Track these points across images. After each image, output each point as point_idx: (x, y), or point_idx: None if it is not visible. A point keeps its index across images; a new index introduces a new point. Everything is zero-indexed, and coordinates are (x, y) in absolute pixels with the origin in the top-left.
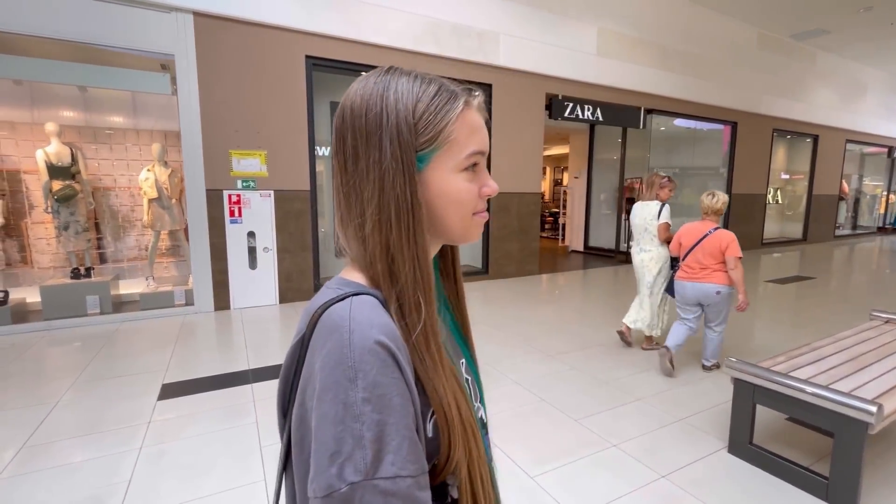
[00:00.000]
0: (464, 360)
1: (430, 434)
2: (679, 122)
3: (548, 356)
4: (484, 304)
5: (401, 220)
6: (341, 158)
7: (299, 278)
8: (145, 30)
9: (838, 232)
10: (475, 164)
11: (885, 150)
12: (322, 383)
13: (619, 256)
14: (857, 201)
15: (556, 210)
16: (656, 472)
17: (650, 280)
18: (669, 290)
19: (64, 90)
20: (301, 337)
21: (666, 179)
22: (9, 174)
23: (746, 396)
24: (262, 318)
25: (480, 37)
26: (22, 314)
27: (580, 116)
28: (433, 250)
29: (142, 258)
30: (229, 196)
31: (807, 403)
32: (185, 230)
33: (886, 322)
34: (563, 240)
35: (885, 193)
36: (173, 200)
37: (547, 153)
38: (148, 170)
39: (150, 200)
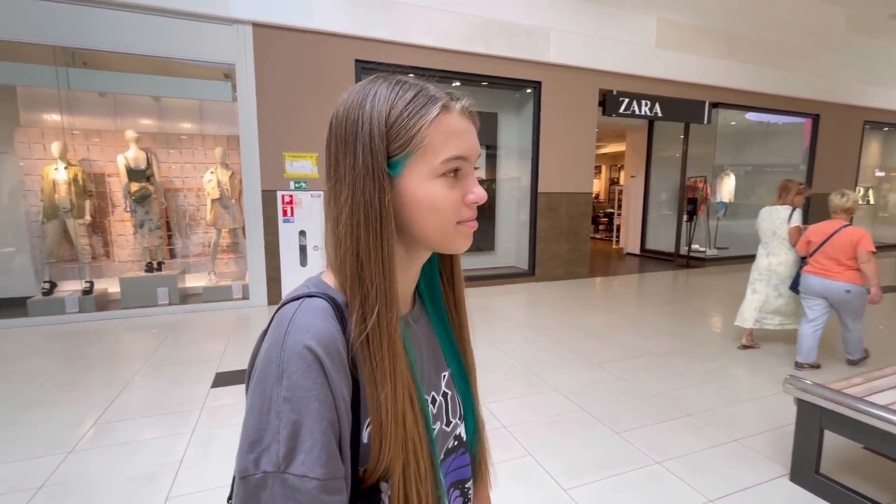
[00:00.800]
0: (447, 373)
1: (364, 441)
2: (751, 115)
3: (593, 364)
4: (528, 306)
5: (369, 225)
6: (327, 165)
7: None
8: (209, 42)
9: None
10: (457, 170)
11: None
12: (256, 376)
13: (680, 260)
14: None
15: (612, 210)
16: (703, 496)
17: (777, 282)
18: (794, 286)
19: (141, 100)
20: (265, 328)
21: (802, 186)
22: (95, 177)
23: (812, 420)
24: None
25: (530, 34)
26: (104, 303)
27: (637, 112)
28: (416, 257)
29: (205, 254)
30: (282, 196)
31: (884, 433)
32: (244, 228)
33: None
34: (618, 241)
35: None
36: (233, 201)
37: (602, 151)
38: (211, 172)
39: (213, 200)
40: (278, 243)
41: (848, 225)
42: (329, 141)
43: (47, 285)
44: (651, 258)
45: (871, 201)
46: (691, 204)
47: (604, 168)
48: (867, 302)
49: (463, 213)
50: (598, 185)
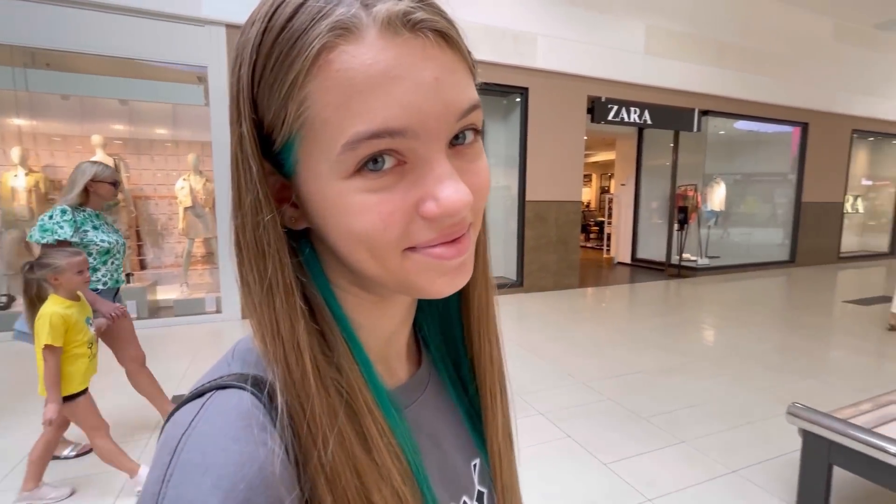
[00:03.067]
0: (478, 461)
1: None
2: (740, 124)
3: (581, 384)
4: (516, 320)
5: (253, 267)
6: None
7: None
8: (180, 43)
9: None
10: (386, 159)
11: None
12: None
13: (671, 270)
14: None
15: (602, 219)
16: None
17: None
18: None
19: (109, 104)
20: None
21: None
22: (61, 184)
23: (820, 455)
24: None
25: (516, 38)
26: None
27: (626, 119)
28: (387, 298)
29: (178, 265)
30: None
31: None
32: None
33: None
34: (609, 251)
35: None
36: (206, 209)
37: (592, 159)
38: (184, 179)
39: (186, 209)
40: None
41: None
42: None
43: (4, 299)
44: (642, 268)
45: (860, 209)
46: (682, 213)
47: (594, 176)
48: None
49: (415, 234)
50: (589, 194)
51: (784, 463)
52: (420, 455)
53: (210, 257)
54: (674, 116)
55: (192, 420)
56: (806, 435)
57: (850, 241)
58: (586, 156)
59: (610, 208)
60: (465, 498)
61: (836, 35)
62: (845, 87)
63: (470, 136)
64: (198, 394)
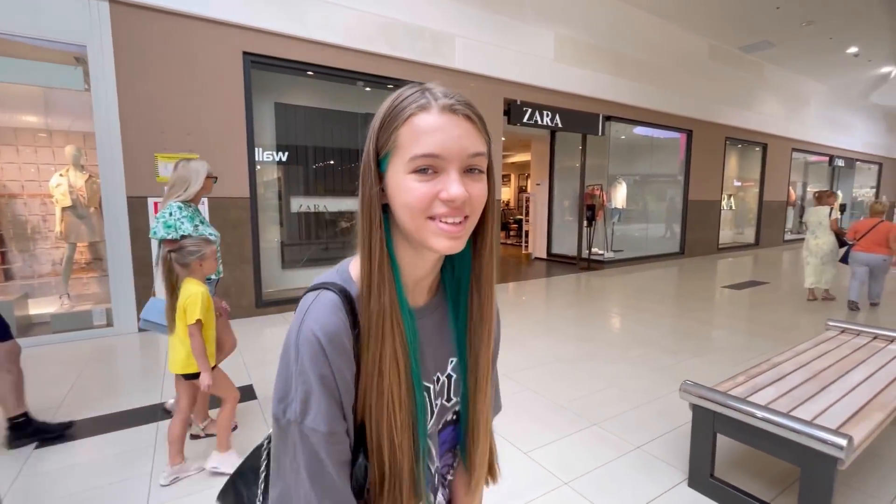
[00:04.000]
0: (455, 360)
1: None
2: (638, 130)
3: (504, 375)
4: None
5: (365, 215)
6: None
7: (238, 293)
8: (52, 17)
9: (787, 236)
10: (429, 168)
11: (826, 158)
12: (283, 348)
13: (582, 263)
14: (802, 207)
15: (521, 217)
16: None
17: (825, 254)
18: (844, 259)
19: None
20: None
21: (832, 193)
22: None
23: (706, 425)
24: None
25: (435, 38)
26: None
27: (539, 122)
28: (422, 252)
29: (56, 273)
30: (156, 204)
31: (771, 435)
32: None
33: (842, 332)
34: (527, 247)
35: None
36: (91, 209)
37: (511, 160)
38: (61, 175)
39: (64, 209)
40: (151, 259)
41: (883, 220)
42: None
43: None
44: (557, 262)
45: (733, 207)
46: (590, 210)
47: (513, 176)
48: (892, 265)
49: (435, 209)
50: (509, 193)
51: (679, 434)
52: (417, 344)
53: (99, 264)
54: (581, 120)
55: (312, 301)
56: (695, 409)
57: (726, 235)
58: (505, 157)
59: (527, 207)
60: (438, 374)
61: (710, 54)
62: (720, 99)
63: (476, 171)
64: (314, 287)
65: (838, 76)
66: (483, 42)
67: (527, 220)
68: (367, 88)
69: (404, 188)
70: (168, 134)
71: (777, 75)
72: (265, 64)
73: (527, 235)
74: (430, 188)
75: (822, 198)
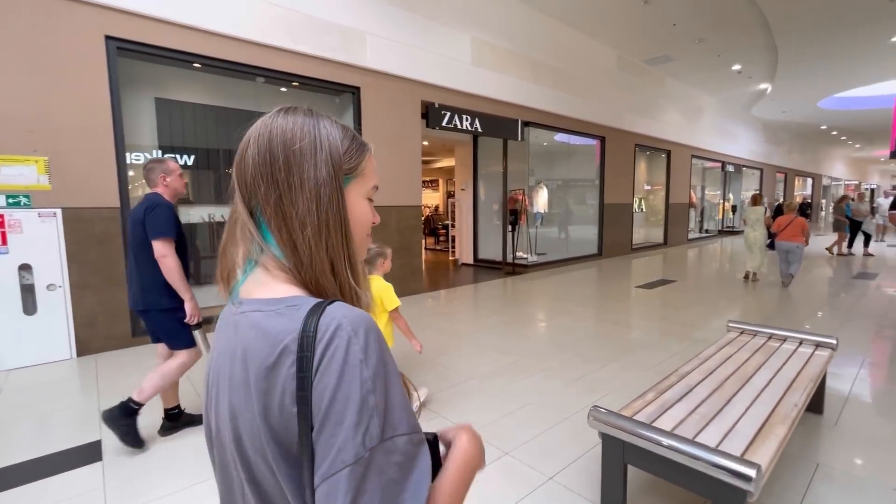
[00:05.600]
0: None
1: None
2: (557, 136)
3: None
4: None
5: (338, 227)
6: (270, 176)
7: (109, 321)
8: None
9: (691, 235)
10: (370, 199)
11: (719, 164)
12: (335, 374)
13: (507, 268)
14: (702, 209)
15: (448, 222)
16: None
17: (761, 244)
18: (771, 246)
19: None
20: (298, 358)
21: (762, 197)
22: None
23: (616, 456)
24: (42, 383)
25: (344, 35)
26: None
27: (459, 126)
28: None
29: None
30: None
31: (679, 465)
32: None
33: (742, 333)
34: (454, 252)
35: (721, 201)
36: None
37: (438, 165)
38: None
39: None
40: None
41: (797, 217)
42: (273, 153)
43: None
44: (483, 267)
45: (644, 209)
46: (513, 215)
47: (440, 181)
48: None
49: (368, 230)
50: (438, 198)
51: (592, 458)
52: None
53: None
54: (501, 126)
55: (340, 309)
56: (604, 438)
57: (638, 235)
58: (432, 161)
59: (454, 212)
60: None
61: (619, 66)
62: (628, 109)
63: None
64: (319, 310)
65: (726, 90)
66: (398, 41)
67: (454, 226)
68: (283, 88)
69: (362, 209)
70: (2, 132)
71: (676, 87)
72: (137, 52)
73: (454, 241)
74: (370, 212)
75: (756, 200)
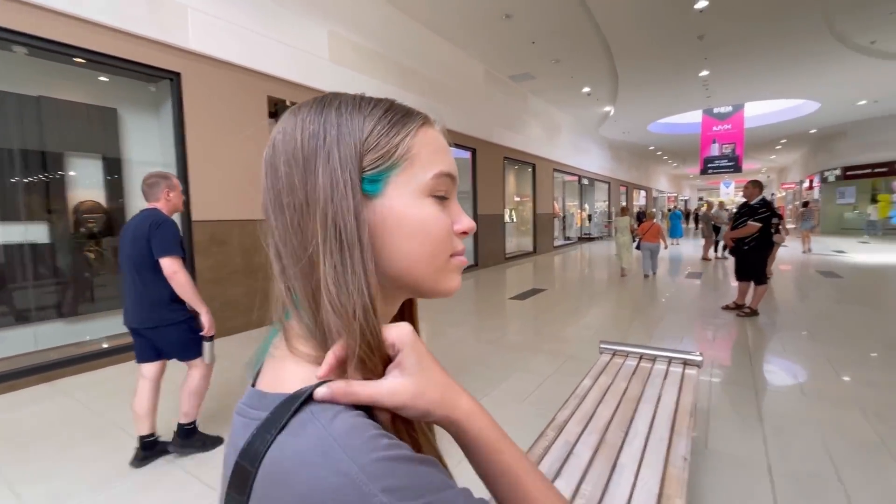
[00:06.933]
0: None
1: None
2: None
3: None
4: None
5: (344, 253)
6: (273, 194)
7: None
8: None
9: (556, 243)
10: (444, 196)
11: (577, 178)
12: None
13: None
14: (564, 218)
15: None
16: None
17: (629, 246)
18: (638, 247)
19: None
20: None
21: (628, 209)
22: None
23: None
24: None
25: (153, 4)
26: None
27: None
28: (393, 305)
29: None
30: None
31: None
32: None
33: (614, 355)
34: None
35: (579, 211)
36: None
37: None
38: None
39: None
40: None
41: (654, 223)
42: (275, 162)
43: None
44: None
45: (514, 219)
46: None
47: None
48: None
49: (456, 244)
50: None
51: None
52: None
53: None
54: None
55: (329, 436)
56: None
57: (510, 245)
58: None
59: None
60: None
61: (486, 80)
62: (497, 122)
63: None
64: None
65: (579, 110)
66: (235, 24)
67: None
68: (25, 53)
69: (423, 216)
70: None
71: (538, 105)
72: None
73: None
74: (448, 218)
75: (624, 211)
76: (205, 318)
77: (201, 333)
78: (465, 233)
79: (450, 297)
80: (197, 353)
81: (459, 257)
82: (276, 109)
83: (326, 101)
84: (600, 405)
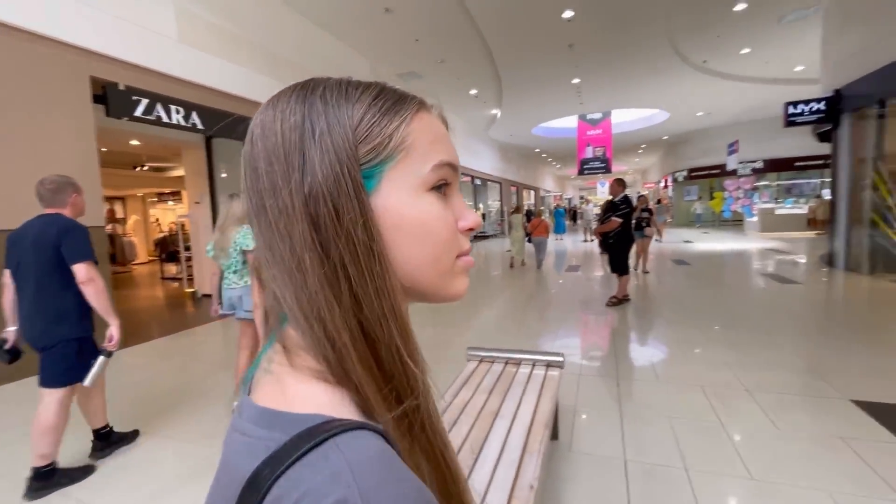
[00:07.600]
0: None
1: None
2: None
3: None
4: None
5: (360, 263)
6: (255, 195)
7: None
8: None
9: None
10: (446, 186)
11: (470, 178)
12: None
13: None
14: None
15: (177, 249)
16: None
17: (520, 240)
18: (529, 241)
19: None
20: None
21: (520, 207)
22: None
23: None
24: None
25: None
26: None
27: (166, 120)
28: None
29: None
30: None
31: None
32: None
33: (480, 361)
34: (192, 283)
35: (474, 211)
36: None
37: (177, 173)
38: None
39: None
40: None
41: (542, 220)
42: (254, 161)
43: None
44: None
45: None
46: None
47: (185, 194)
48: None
49: (462, 244)
50: (172, 216)
51: None
52: None
53: None
54: (233, 123)
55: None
56: None
57: None
58: (167, 169)
59: (185, 232)
60: None
61: (371, 77)
62: None
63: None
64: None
65: (468, 112)
66: None
67: (186, 249)
68: None
69: (424, 213)
70: None
71: None
72: None
73: (191, 269)
74: (452, 214)
75: (517, 209)
76: (115, 330)
77: (104, 345)
78: (471, 229)
79: (453, 301)
80: (76, 376)
81: (466, 258)
82: (104, 93)
83: (309, 88)
84: (455, 425)
